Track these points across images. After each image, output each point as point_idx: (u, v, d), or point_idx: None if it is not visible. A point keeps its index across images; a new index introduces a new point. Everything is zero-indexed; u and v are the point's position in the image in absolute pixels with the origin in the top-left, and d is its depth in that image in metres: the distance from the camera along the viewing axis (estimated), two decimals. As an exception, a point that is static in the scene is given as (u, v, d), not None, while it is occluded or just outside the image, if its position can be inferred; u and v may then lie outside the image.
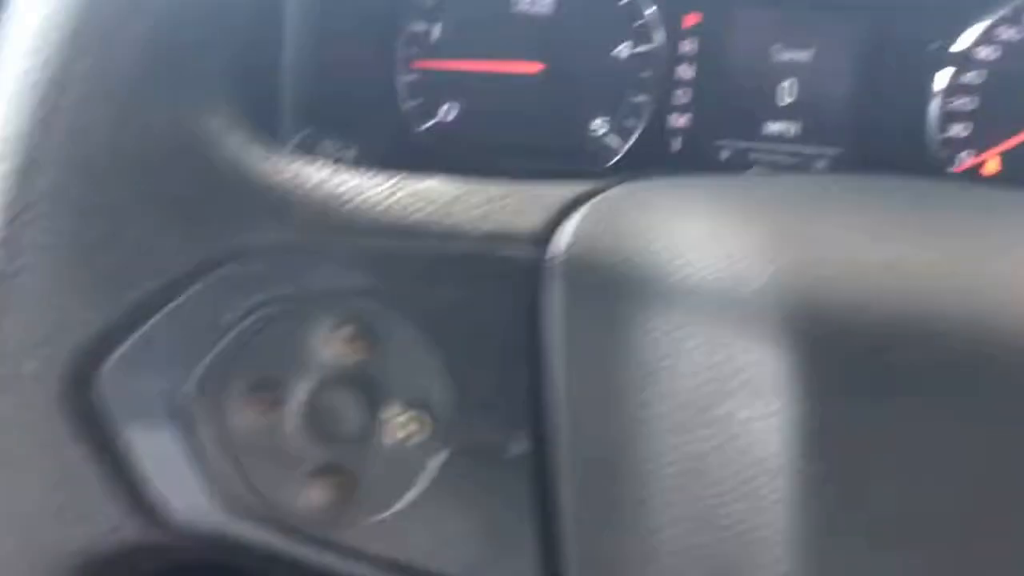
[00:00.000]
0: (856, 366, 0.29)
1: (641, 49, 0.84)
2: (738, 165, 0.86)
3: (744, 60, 0.85)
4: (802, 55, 0.85)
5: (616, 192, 0.35)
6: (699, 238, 0.32)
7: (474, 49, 0.86)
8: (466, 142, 0.86)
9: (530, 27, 0.85)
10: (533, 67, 0.85)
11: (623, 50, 0.85)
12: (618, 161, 0.84)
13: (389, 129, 0.85)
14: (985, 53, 0.83)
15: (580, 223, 0.33)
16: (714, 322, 0.30)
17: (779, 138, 0.86)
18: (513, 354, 0.32)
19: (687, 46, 0.85)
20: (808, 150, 0.86)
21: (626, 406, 0.31)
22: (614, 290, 0.32)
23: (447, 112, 0.86)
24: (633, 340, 0.31)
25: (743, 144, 0.86)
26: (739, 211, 0.33)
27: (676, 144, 0.86)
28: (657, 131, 0.86)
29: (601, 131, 0.86)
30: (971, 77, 0.83)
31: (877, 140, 0.85)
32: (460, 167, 0.39)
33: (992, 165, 0.86)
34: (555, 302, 0.32)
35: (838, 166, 0.86)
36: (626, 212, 0.34)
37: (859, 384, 0.29)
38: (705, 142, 0.86)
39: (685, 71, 0.85)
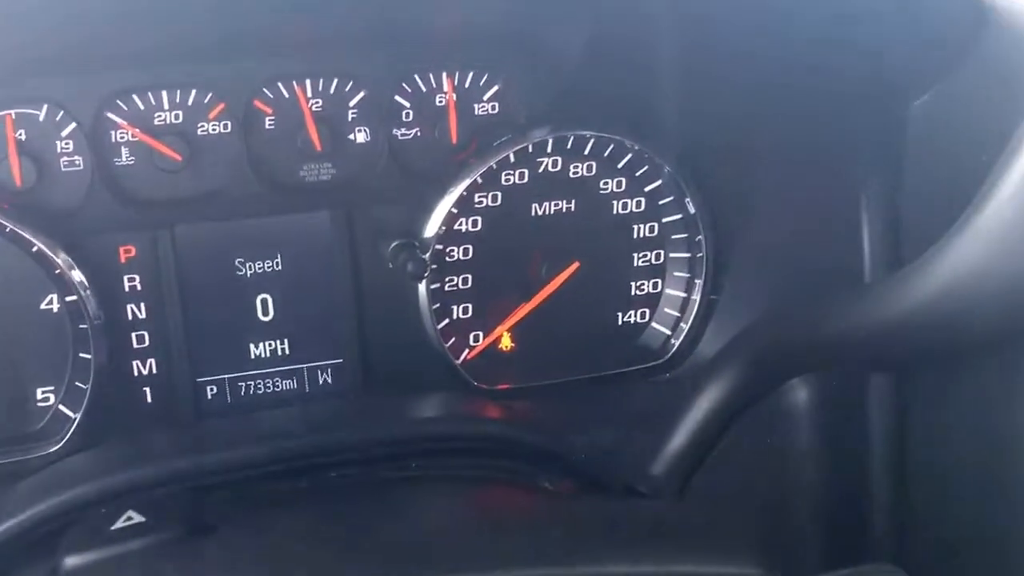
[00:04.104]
0: None
1: (72, 298, 0.69)
2: (229, 404, 0.73)
3: (206, 281, 0.72)
4: (268, 265, 0.73)
5: None
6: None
7: None
8: None
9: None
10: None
11: (52, 303, 0.70)
12: (76, 430, 0.69)
13: None
14: (454, 243, 0.74)
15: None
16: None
17: (269, 360, 0.74)
18: None
19: (129, 282, 0.71)
20: (305, 367, 0.75)
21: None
22: None
23: None
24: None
25: (230, 375, 0.73)
26: None
27: (146, 395, 0.72)
28: (120, 386, 0.71)
29: (49, 400, 0.71)
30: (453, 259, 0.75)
31: (377, 345, 0.75)
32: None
33: (506, 341, 0.78)
34: None
35: (340, 376, 0.75)
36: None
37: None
38: (182, 385, 0.72)
39: (136, 310, 0.71)
